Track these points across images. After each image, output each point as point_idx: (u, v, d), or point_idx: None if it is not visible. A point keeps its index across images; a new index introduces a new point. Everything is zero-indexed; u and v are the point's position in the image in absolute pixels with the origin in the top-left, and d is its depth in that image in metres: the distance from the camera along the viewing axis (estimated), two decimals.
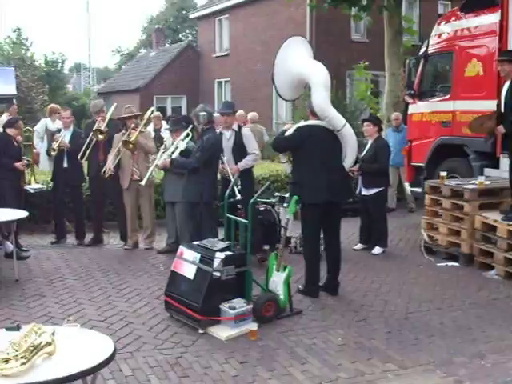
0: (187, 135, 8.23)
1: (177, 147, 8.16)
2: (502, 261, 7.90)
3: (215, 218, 8.29)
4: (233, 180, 7.70)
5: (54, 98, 32.30)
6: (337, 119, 7.08)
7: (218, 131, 8.42)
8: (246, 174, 8.43)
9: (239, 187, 7.94)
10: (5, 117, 12.49)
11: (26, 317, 6.16)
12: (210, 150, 7.75)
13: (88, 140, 9.25)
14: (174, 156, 8.08)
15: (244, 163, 8.40)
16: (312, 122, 7.15)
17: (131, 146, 8.82)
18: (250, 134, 8.68)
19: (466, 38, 10.14)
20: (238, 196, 7.77)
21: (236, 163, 8.38)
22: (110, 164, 9.01)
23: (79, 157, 9.30)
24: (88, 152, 9.30)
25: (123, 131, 9.16)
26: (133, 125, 9.06)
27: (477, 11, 9.97)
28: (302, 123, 7.28)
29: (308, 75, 7.15)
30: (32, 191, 9.27)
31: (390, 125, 13.30)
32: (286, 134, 7.22)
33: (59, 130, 9.85)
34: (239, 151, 8.45)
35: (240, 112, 14.41)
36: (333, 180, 6.94)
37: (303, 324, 6.23)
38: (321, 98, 6.97)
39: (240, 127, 8.54)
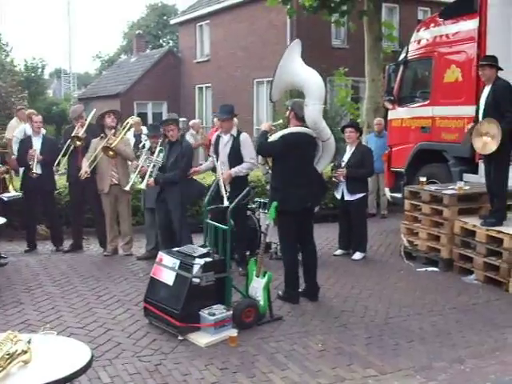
0: (161, 151, 8.28)
1: (154, 165, 8.24)
2: (481, 266, 7.94)
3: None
4: (221, 185, 7.68)
5: (34, 103, 32.12)
6: (326, 131, 7.12)
7: (215, 134, 8.51)
8: (239, 182, 7.92)
9: (228, 194, 7.67)
10: (15, 121, 12.38)
11: (3, 324, 6.08)
12: (191, 157, 7.83)
13: (66, 146, 9.19)
14: (154, 175, 8.20)
15: (237, 170, 8.04)
16: (297, 129, 7.09)
17: (111, 152, 8.78)
18: (248, 140, 8.26)
19: (445, 44, 10.20)
20: (226, 203, 7.46)
21: (230, 169, 8.09)
22: (85, 168, 8.94)
23: (55, 164, 9.23)
24: (66, 158, 9.24)
25: (102, 135, 9.11)
26: (112, 131, 9.01)
27: (456, 18, 10.04)
28: (288, 130, 7.15)
29: (305, 84, 7.09)
30: (5, 199, 9.06)
31: (372, 130, 13.36)
32: (271, 139, 7.13)
33: (29, 137, 9.75)
34: (235, 157, 8.10)
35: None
36: (310, 186, 7.03)
37: (283, 330, 6.21)
38: (316, 112, 6.95)
39: (240, 133, 8.30)
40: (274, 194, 7.17)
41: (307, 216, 7.21)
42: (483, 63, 8.00)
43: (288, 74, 7.11)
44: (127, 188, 8.42)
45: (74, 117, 9.66)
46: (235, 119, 13.68)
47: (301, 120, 7.07)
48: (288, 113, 7.28)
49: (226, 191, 7.68)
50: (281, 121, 7.59)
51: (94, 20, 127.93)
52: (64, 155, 9.24)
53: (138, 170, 8.41)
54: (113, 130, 9.04)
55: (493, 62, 7.87)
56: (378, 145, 12.16)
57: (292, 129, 7.16)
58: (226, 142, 8.22)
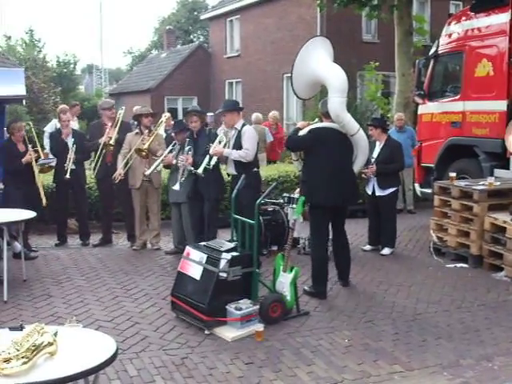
0: (189, 149, 8.37)
1: (184, 169, 8.41)
2: (511, 262, 7.84)
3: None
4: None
5: (66, 99, 32.39)
6: (351, 125, 7.08)
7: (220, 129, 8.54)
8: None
9: (210, 167, 7.99)
10: (55, 122, 12.42)
11: (32, 317, 6.17)
12: None
13: (99, 151, 9.28)
14: (184, 177, 8.33)
15: (230, 151, 8.00)
16: (325, 124, 7.18)
17: (144, 153, 8.85)
18: (249, 132, 8.08)
19: (476, 38, 10.09)
20: (199, 170, 7.92)
21: (236, 164, 8.08)
22: (119, 170, 9.02)
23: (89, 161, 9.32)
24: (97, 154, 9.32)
25: (137, 131, 9.18)
26: (147, 131, 9.08)
27: (487, 11, 9.93)
28: (316, 125, 7.25)
29: (325, 78, 7.10)
30: (42, 161, 9.02)
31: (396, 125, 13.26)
32: (300, 133, 7.24)
33: (59, 130, 9.83)
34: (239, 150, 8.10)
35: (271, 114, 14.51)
36: (342, 183, 7.04)
37: (310, 325, 6.20)
38: (337, 104, 6.91)
39: (244, 125, 8.21)
40: (303, 187, 7.30)
41: (339, 213, 7.27)
42: None
43: (307, 69, 7.11)
44: (148, 172, 8.52)
45: (104, 107, 9.74)
46: (259, 115, 13.74)
47: (327, 116, 7.14)
48: (320, 114, 7.41)
49: (209, 163, 7.98)
50: (317, 119, 7.56)
51: (125, 16, 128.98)
52: (96, 157, 9.33)
53: (162, 158, 8.55)
54: (146, 131, 9.10)
55: None
56: (400, 140, 12.02)
57: (320, 124, 7.28)
58: (231, 136, 8.26)
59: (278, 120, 14.93)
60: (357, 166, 7.39)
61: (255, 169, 8.09)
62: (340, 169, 7.06)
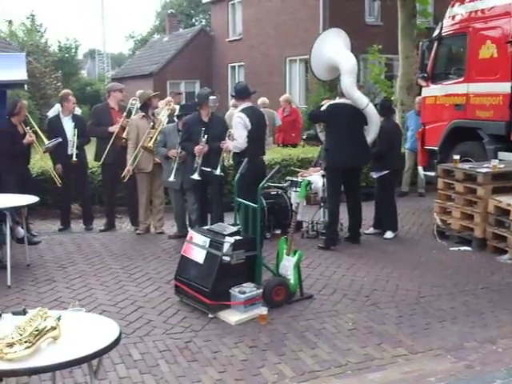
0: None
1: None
2: None
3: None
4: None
5: (68, 83, 32.37)
6: (361, 100, 8.52)
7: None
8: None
9: (224, 163, 8.25)
10: (58, 107, 12.36)
11: (36, 302, 6.18)
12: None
13: (112, 139, 9.25)
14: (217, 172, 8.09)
15: (229, 144, 8.05)
16: (340, 100, 8.64)
17: (150, 150, 8.90)
18: (235, 120, 8.05)
19: (480, 20, 9.99)
20: (217, 172, 7.98)
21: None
22: (128, 166, 9.04)
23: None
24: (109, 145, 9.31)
25: (143, 114, 9.17)
26: (152, 123, 9.08)
27: None
28: (333, 101, 8.90)
29: (338, 62, 8.55)
30: (49, 144, 9.13)
31: (405, 109, 13.24)
32: (321, 109, 8.83)
33: (58, 116, 9.76)
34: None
35: (283, 97, 14.53)
36: (354, 149, 8.35)
37: (313, 308, 6.20)
38: (348, 83, 8.41)
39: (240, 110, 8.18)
40: (326, 153, 8.71)
41: (353, 175, 8.65)
42: None
43: (324, 55, 8.68)
44: (171, 178, 8.43)
45: (116, 88, 9.78)
46: (266, 99, 13.70)
47: (342, 94, 8.62)
48: (338, 93, 8.92)
49: (223, 161, 8.31)
50: (338, 98, 8.91)
51: (127, 0, 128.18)
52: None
53: (179, 155, 8.44)
54: (152, 123, 9.09)
55: None
56: (417, 123, 11.98)
57: (336, 100, 8.84)
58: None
59: (290, 102, 14.89)
60: (370, 136, 8.65)
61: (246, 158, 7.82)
62: (353, 137, 8.40)
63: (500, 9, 9.55)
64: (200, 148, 8.09)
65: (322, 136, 9.25)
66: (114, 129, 9.25)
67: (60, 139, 9.18)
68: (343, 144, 8.33)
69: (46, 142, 9.20)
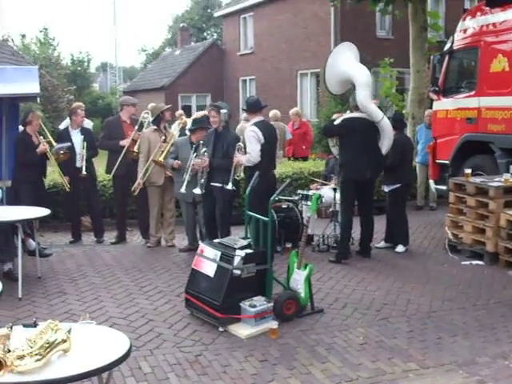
0: (206, 151, 8.23)
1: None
2: None
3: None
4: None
5: (80, 96, 32.55)
6: (376, 113, 8.53)
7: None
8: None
9: (237, 177, 8.06)
10: (68, 120, 12.44)
11: (47, 314, 6.17)
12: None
13: (123, 153, 9.29)
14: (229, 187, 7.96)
15: (242, 158, 7.91)
16: (355, 114, 8.57)
17: (161, 164, 8.92)
18: (247, 133, 7.96)
19: (491, 34, 9.98)
20: (229, 187, 7.83)
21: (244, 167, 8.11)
22: (139, 179, 9.07)
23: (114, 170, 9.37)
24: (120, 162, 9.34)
25: (154, 127, 9.20)
26: (163, 137, 9.09)
27: (503, 6, 9.81)
28: (348, 115, 8.74)
29: (352, 75, 8.60)
30: (59, 148, 9.14)
31: (416, 122, 13.23)
32: (335, 123, 8.83)
33: (66, 129, 9.82)
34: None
35: (292, 110, 14.57)
36: (370, 162, 8.40)
37: (324, 322, 6.18)
38: (363, 96, 8.42)
39: (253, 124, 8.13)
40: (341, 168, 8.67)
41: (367, 188, 8.63)
42: None
43: (338, 69, 8.72)
44: (182, 190, 8.39)
45: (129, 103, 9.83)
46: (278, 112, 13.73)
47: (356, 108, 8.53)
48: (350, 106, 8.84)
49: (237, 176, 8.08)
50: (348, 111, 8.96)
51: (139, 14, 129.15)
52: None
53: (190, 169, 8.39)
54: (163, 137, 9.10)
55: None
56: (428, 136, 11.98)
57: (350, 114, 8.75)
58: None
59: (300, 115, 14.96)
60: (384, 148, 8.62)
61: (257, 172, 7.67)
62: (368, 150, 8.40)
63: (511, 22, 9.54)
64: (198, 162, 8.16)
65: (334, 150, 9.17)
66: (126, 143, 9.29)
67: (69, 144, 9.27)
68: (359, 157, 8.33)
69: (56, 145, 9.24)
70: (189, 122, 11.15)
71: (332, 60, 8.80)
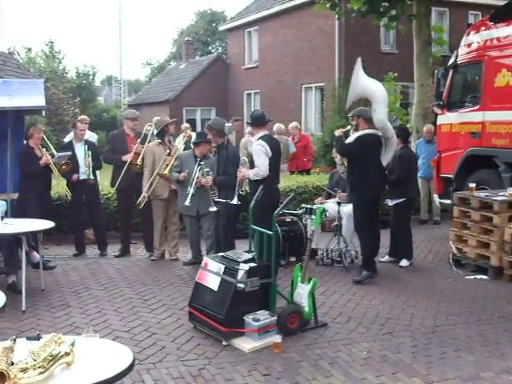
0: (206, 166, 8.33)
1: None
2: None
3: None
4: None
5: (85, 109, 32.68)
6: (391, 130, 8.59)
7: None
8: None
9: (243, 193, 8.03)
10: (72, 134, 12.51)
11: (50, 327, 6.18)
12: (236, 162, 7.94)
13: (126, 167, 9.33)
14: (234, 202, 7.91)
15: (248, 173, 7.77)
16: (367, 131, 8.37)
17: (165, 177, 8.95)
18: (255, 147, 7.85)
19: (495, 48, 10.02)
20: (234, 202, 7.78)
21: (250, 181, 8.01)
22: (144, 193, 9.09)
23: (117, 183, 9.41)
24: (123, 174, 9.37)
25: (159, 140, 9.22)
26: (168, 150, 9.12)
27: (507, 21, 9.85)
28: (360, 133, 8.40)
29: (372, 93, 8.52)
30: (63, 161, 9.18)
31: (420, 136, 13.23)
32: (348, 140, 8.45)
33: (70, 143, 9.89)
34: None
35: (291, 124, 14.59)
36: (382, 177, 8.53)
37: (328, 337, 6.16)
38: (382, 114, 8.37)
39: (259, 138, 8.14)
40: (353, 187, 8.44)
41: (375, 203, 8.51)
42: None
43: (358, 87, 8.61)
44: (187, 202, 8.40)
45: (130, 117, 9.86)
46: (282, 125, 13.75)
47: (369, 122, 8.35)
48: (356, 120, 8.56)
49: (241, 190, 7.99)
50: (349, 127, 8.75)
51: (144, 27, 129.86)
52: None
53: (195, 182, 8.42)
54: (168, 151, 9.14)
55: None
56: (428, 151, 12.03)
57: (364, 131, 8.39)
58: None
59: (299, 129, 15.03)
60: (385, 160, 8.61)
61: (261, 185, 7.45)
62: (379, 165, 8.46)
63: None
64: (203, 182, 8.35)
65: (340, 169, 9.19)
66: (128, 157, 9.31)
67: (70, 152, 9.34)
68: (377, 174, 8.36)
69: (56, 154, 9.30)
70: (194, 135, 11.21)
71: (355, 77, 8.67)
